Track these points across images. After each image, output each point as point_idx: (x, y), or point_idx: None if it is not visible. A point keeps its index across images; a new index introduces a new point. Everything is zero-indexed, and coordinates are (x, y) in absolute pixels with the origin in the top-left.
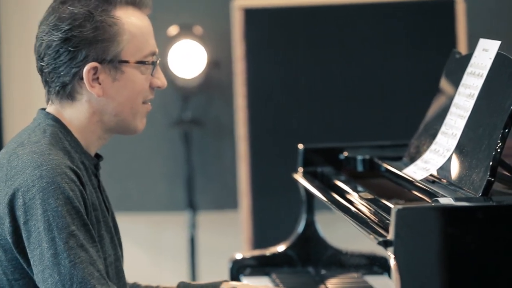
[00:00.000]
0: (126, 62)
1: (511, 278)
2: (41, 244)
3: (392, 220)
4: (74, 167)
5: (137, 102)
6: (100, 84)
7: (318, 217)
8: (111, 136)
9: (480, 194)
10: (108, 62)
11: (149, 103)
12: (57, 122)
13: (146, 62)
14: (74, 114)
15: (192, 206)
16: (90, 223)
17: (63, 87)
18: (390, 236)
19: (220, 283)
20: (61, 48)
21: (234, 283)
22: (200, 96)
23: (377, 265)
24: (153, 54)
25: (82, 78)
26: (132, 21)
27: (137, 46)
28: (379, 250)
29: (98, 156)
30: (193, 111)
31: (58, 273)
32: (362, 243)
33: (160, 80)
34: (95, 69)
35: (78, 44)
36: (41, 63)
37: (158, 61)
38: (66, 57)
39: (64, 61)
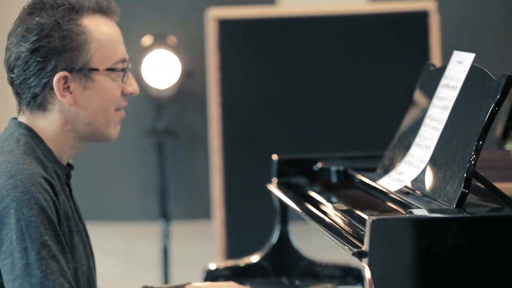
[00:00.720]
0: (96, 70)
1: (484, 286)
2: (13, 253)
3: (366, 231)
4: (48, 176)
5: (110, 110)
6: (71, 93)
7: (292, 228)
8: (84, 145)
9: (454, 206)
10: (77, 71)
11: (122, 110)
12: (30, 131)
13: (116, 69)
14: (46, 124)
15: (165, 216)
16: (63, 233)
17: (34, 97)
18: (365, 247)
19: (183, 285)
20: (30, 59)
21: (197, 284)
22: (173, 106)
23: (351, 276)
24: (123, 61)
25: (52, 88)
26: (100, 29)
27: (106, 54)
28: (353, 261)
29: (69, 165)
30: (167, 121)
31: (29, 283)
32: (336, 254)
33: (132, 87)
34: (65, 78)
35: (46, 54)
36: (11, 75)
37: (129, 68)
38: (35, 68)
39: (34, 72)
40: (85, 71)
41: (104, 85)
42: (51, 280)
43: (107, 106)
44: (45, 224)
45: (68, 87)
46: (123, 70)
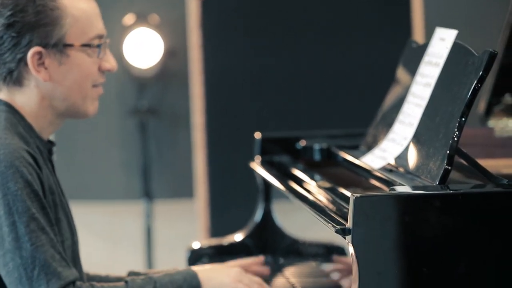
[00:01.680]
0: (71, 45)
1: (467, 265)
2: (1, 228)
3: (350, 208)
4: (31, 150)
5: (86, 86)
6: (46, 68)
7: (275, 206)
8: (63, 121)
9: (437, 183)
10: (52, 46)
11: (100, 87)
12: (10, 107)
13: (92, 45)
14: (24, 100)
15: (148, 195)
16: (48, 206)
17: (10, 73)
18: (348, 224)
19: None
20: (5, 34)
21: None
22: (156, 85)
23: (335, 254)
24: (100, 37)
25: (27, 64)
26: (75, 4)
27: (81, 29)
28: (337, 239)
29: (50, 142)
30: (149, 100)
31: (20, 257)
32: (319, 231)
33: (110, 63)
34: (39, 53)
35: (20, 29)
36: None
37: (106, 44)
38: (10, 43)
39: (8, 47)
40: (60, 47)
41: (79, 61)
42: (41, 252)
43: (83, 82)
44: (31, 197)
45: (43, 63)
46: (99, 46)
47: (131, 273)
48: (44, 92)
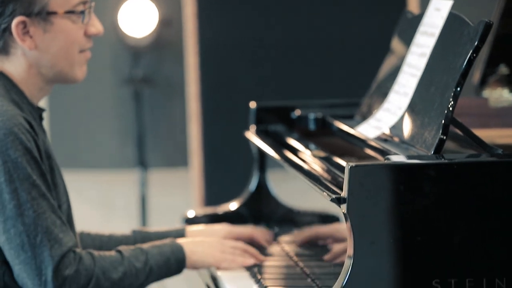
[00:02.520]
0: (54, 13)
1: (462, 234)
2: (2, 195)
3: (345, 177)
4: (27, 116)
5: (72, 52)
6: (31, 37)
7: (270, 175)
8: (52, 87)
9: (432, 152)
10: (36, 15)
11: (88, 51)
12: (1, 75)
13: (75, 12)
14: (13, 68)
15: (142, 164)
16: (46, 172)
17: None
18: (344, 193)
19: (182, 229)
20: None
21: (193, 228)
22: (151, 55)
23: (329, 223)
24: (84, 2)
25: (12, 33)
26: None
27: None
28: (331, 208)
29: (39, 108)
30: (144, 69)
31: (22, 223)
32: (314, 201)
33: (95, 27)
34: (23, 23)
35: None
36: None
37: (91, 8)
38: None
39: None
40: (44, 15)
41: (64, 28)
42: (43, 219)
43: (69, 48)
44: (31, 164)
45: (28, 32)
46: (83, 12)
47: (135, 232)
48: (31, 60)
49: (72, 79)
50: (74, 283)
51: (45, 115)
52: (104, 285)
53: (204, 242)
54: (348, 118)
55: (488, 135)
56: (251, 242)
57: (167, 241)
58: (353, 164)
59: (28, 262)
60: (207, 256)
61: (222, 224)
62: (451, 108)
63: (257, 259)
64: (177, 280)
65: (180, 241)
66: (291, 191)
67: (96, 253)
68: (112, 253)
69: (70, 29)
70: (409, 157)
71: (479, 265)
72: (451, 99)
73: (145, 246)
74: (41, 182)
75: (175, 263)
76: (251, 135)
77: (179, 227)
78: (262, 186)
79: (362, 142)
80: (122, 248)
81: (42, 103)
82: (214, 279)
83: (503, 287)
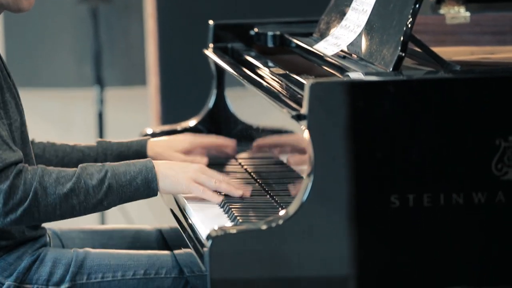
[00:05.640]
0: None
1: (420, 150)
2: None
3: (305, 94)
4: None
5: None
6: None
7: (228, 93)
8: (1, 13)
9: (391, 69)
10: None
11: None
12: None
13: None
14: None
15: (100, 82)
16: None
17: None
18: (304, 110)
19: (145, 140)
20: None
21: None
22: None
23: None
24: None
25: None
26: None
27: None
28: (287, 126)
29: None
30: None
31: None
32: (272, 119)
33: None
34: None
35: None
36: None
37: None
38: None
39: None
40: None
41: None
42: None
43: None
44: None
45: None
46: None
47: (99, 142)
48: None
49: (17, 9)
50: (10, 198)
51: (0, 34)
52: (46, 201)
53: (181, 166)
54: (307, 35)
55: (445, 51)
56: (216, 151)
57: (142, 160)
58: (313, 81)
59: None
60: (179, 183)
61: (185, 133)
62: (409, 25)
63: (233, 192)
64: (138, 203)
65: (155, 162)
66: (250, 109)
67: (47, 168)
68: (70, 169)
69: None
70: (367, 74)
71: (437, 180)
72: (409, 16)
73: (114, 164)
74: None
75: (142, 183)
76: (210, 53)
77: (142, 138)
78: (220, 103)
79: (320, 60)
80: (84, 164)
81: None
82: (177, 202)
83: (460, 202)
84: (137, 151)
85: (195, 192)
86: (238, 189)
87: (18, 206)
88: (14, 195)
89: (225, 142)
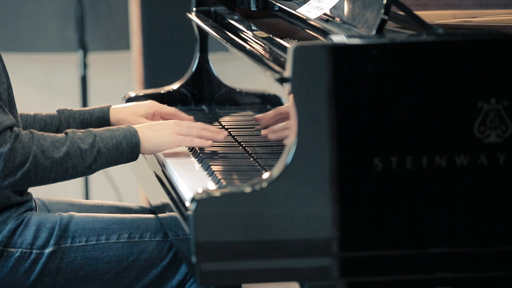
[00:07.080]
0: None
1: (403, 113)
2: None
3: (288, 57)
4: None
5: None
6: None
7: (211, 57)
8: None
9: (374, 32)
10: None
11: None
12: None
13: None
14: None
15: (83, 47)
16: None
17: None
18: (287, 73)
19: (107, 107)
20: None
21: (118, 106)
22: None
23: (269, 103)
24: None
25: None
26: None
27: None
28: (271, 89)
29: None
30: None
31: None
32: (255, 82)
33: None
34: None
35: None
36: None
37: None
38: None
39: None
40: None
41: None
42: None
43: None
44: None
45: None
46: None
47: (60, 111)
48: None
49: None
50: (10, 161)
51: None
52: (44, 164)
53: (160, 125)
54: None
55: (427, 14)
56: None
57: (124, 126)
58: (296, 44)
59: None
60: (163, 138)
61: (148, 101)
62: None
63: (216, 137)
64: (122, 166)
65: (136, 126)
66: (233, 73)
67: (39, 133)
68: (59, 134)
69: None
70: (350, 36)
71: (420, 143)
72: None
73: (98, 129)
74: None
75: (127, 147)
76: (193, 16)
77: (104, 105)
78: (203, 67)
79: (303, 23)
80: (70, 130)
81: None
82: (162, 165)
83: (443, 164)
84: (100, 117)
85: (183, 143)
86: (218, 133)
87: (18, 169)
88: (14, 159)
89: (184, 118)
